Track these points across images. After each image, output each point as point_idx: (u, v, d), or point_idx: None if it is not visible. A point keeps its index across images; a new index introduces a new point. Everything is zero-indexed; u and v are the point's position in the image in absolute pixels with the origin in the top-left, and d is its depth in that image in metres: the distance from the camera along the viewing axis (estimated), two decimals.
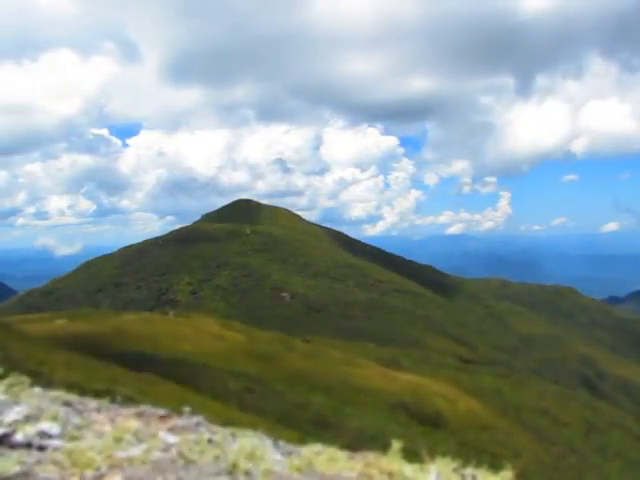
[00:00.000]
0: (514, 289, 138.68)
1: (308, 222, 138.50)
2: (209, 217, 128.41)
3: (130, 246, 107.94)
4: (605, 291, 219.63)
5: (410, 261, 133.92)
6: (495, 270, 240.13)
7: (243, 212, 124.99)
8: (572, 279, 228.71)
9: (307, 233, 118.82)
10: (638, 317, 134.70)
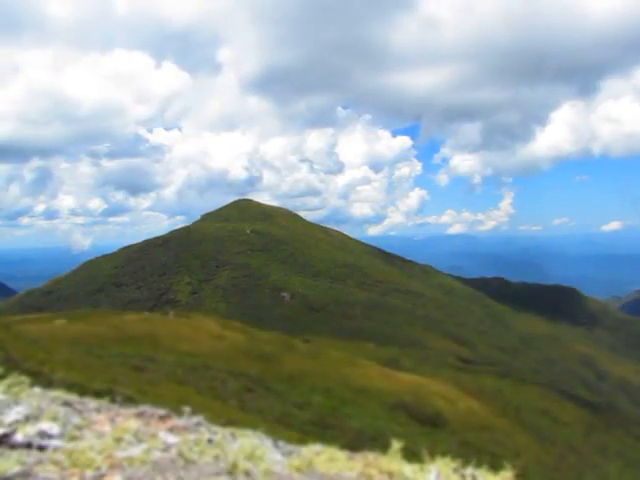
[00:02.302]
0: (514, 289, 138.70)
1: (308, 222, 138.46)
2: (209, 217, 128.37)
3: (130, 246, 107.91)
4: (605, 291, 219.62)
5: (410, 261, 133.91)
6: (495, 270, 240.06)
7: (243, 212, 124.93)
8: (572, 279, 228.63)
9: (307, 233, 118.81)
10: (638, 317, 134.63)
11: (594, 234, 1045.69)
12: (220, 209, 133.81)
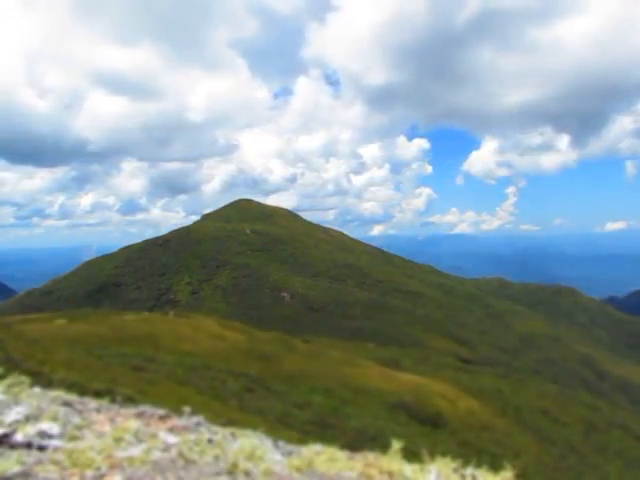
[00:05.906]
0: (514, 289, 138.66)
1: (308, 222, 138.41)
2: (209, 217, 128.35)
3: (130, 246, 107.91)
4: (605, 291, 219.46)
5: (410, 261, 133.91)
6: (495, 270, 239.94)
7: (243, 212, 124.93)
8: (572, 279, 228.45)
9: (307, 233, 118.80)
10: (638, 317, 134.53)
11: (594, 234, 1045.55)
12: (220, 209, 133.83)
